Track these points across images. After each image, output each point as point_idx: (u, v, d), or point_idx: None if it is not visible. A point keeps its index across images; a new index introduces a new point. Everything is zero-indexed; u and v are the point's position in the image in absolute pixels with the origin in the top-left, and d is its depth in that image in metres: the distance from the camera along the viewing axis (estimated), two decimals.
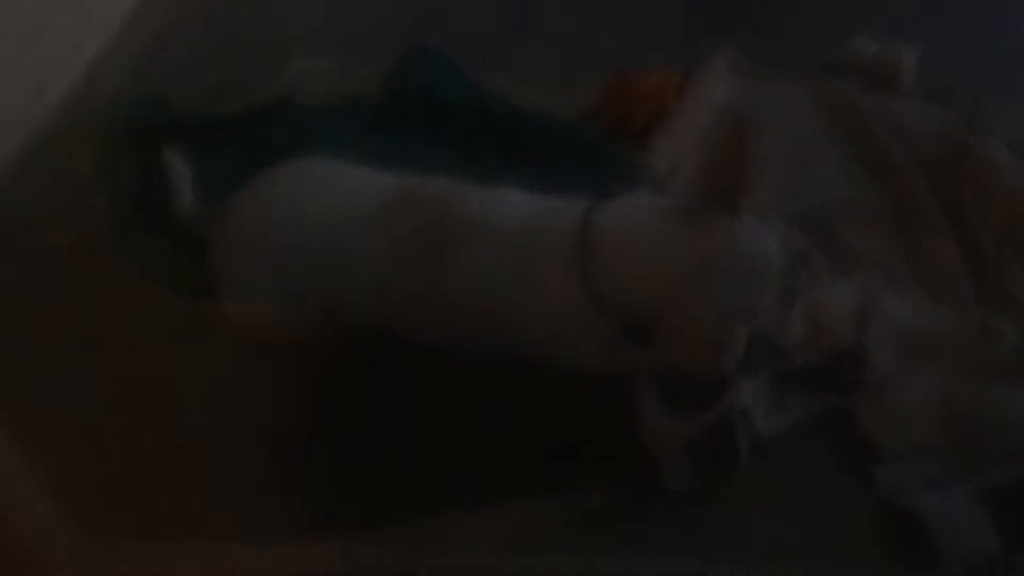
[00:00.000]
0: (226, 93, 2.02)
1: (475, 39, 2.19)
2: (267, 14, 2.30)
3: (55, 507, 1.22)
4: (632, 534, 1.32)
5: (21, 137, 1.86)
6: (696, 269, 1.22)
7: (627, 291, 1.25)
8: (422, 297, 1.34)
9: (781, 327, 1.50)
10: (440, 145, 1.89)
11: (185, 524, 1.29)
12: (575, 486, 1.35)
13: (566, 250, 1.27)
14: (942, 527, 1.30)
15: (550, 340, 1.33)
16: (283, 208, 1.42)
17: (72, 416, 1.40)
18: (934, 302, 1.60)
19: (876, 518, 1.34)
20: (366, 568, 1.26)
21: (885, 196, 1.79)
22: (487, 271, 1.30)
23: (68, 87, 2.00)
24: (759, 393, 1.45)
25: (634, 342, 1.30)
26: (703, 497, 1.36)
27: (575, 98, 2.01)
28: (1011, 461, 1.36)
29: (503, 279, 1.30)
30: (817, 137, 1.94)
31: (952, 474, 1.36)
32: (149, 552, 1.27)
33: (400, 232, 1.34)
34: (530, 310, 1.30)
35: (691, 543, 1.31)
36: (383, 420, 1.42)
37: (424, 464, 1.37)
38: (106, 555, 1.26)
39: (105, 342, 1.49)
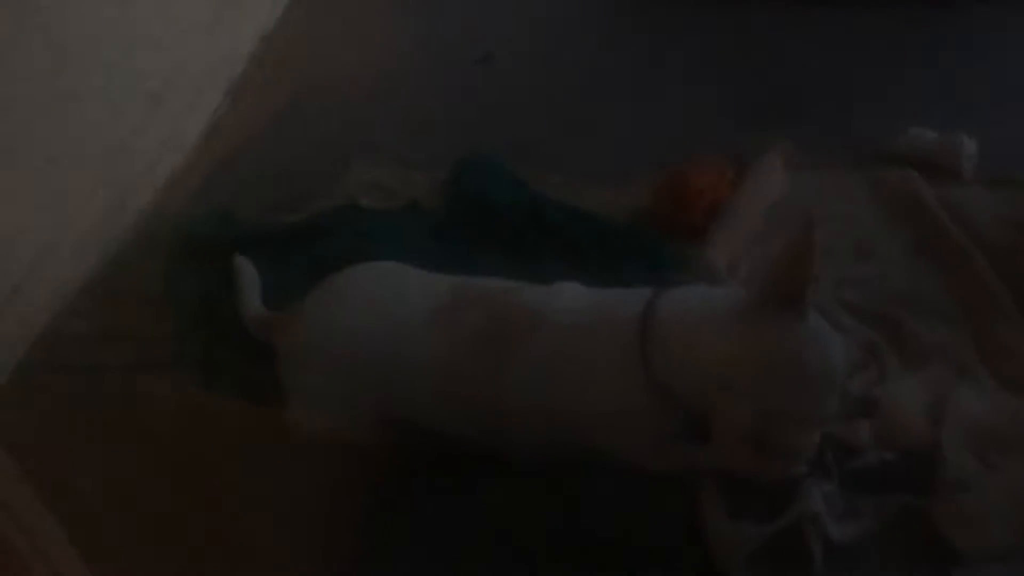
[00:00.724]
0: (291, 204, 2.11)
1: (528, 141, 2.25)
2: (328, 124, 2.40)
3: None
4: None
5: (99, 252, 1.96)
6: (757, 369, 1.20)
7: (689, 382, 1.23)
8: (482, 396, 1.34)
9: (852, 428, 1.47)
10: (498, 248, 1.93)
11: None
12: None
13: (628, 337, 1.25)
14: None
15: (612, 434, 1.31)
16: (344, 312, 1.45)
17: (137, 525, 1.42)
18: (1011, 395, 1.54)
19: None
20: None
21: (952, 286, 1.75)
22: (547, 364, 1.30)
23: (145, 204, 2.10)
24: (831, 496, 1.40)
25: (695, 436, 1.28)
26: None
27: (630, 196, 2.04)
28: None
29: (563, 370, 1.30)
30: (879, 227, 1.92)
31: None
32: None
33: (459, 332, 1.35)
34: (591, 401, 1.29)
35: None
36: (443, 526, 1.40)
37: (485, 570, 1.35)
38: None
39: (170, 454, 1.52)
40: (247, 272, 1.69)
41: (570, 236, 1.92)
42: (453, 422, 1.41)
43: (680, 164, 2.00)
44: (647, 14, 2.78)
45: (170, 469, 1.48)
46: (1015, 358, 1.59)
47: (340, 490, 1.39)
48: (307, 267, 1.73)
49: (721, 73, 2.46)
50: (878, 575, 1.34)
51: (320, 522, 1.38)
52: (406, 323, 1.40)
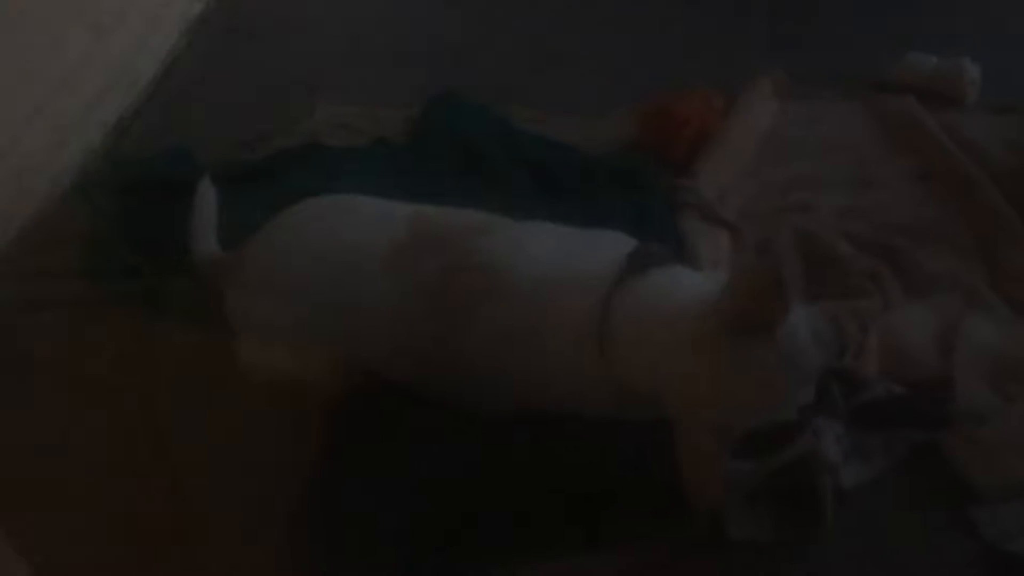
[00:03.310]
0: (251, 144, 1.97)
1: (503, 76, 2.12)
2: (292, 64, 2.26)
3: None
4: None
5: (43, 189, 1.83)
6: (722, 400, 1.10)
7: (645, 384, 1.14)
8: (436, 355, 1.23)
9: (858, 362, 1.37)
10: (471, 181, 1.80)
11: None
12: (624, 538, 1.21)
13: (585, 329, 1.15)
14: None
15: (576, 406, 1.22)
16: (295, 246, 1.34)
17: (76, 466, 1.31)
18: None
19: (980, 568, 1.18)
20: None
21: (958, 213, 1.66)
22: (503, 335, 1.19)
23: (91, 142, 1.97)
24: (840, 438, 1.28)
25: None
26: (777, 551, 1.20)
27: (612, 129, 1.93)
28: None
29: (521, 343, 1.19)
30: (878, 156, 1.83)
31: None
32: None
33: (412, 281, 1.23)
34: (549, 382, 1.20)
35: None
36: (399, 474, 1.29)
37: (447, 522, 1.24)
38: None
39: (116, 391, 1.40)
40: (207, 204, 1.55)
41: (549, 166, 1.80)
42: (406, 373, 1.30)
43: (666, 94, 1.89)
44: None
45: (114, 409, 1.37)
46: None
47: (292, 432, 1.28)
48: (265, 207, 1.58)
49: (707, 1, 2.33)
50: (889, 518, 1.24)
51: (272, 465, 1.26)
52: (358, 262, 1.27)
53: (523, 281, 1.19)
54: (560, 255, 1.22)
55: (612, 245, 1.22)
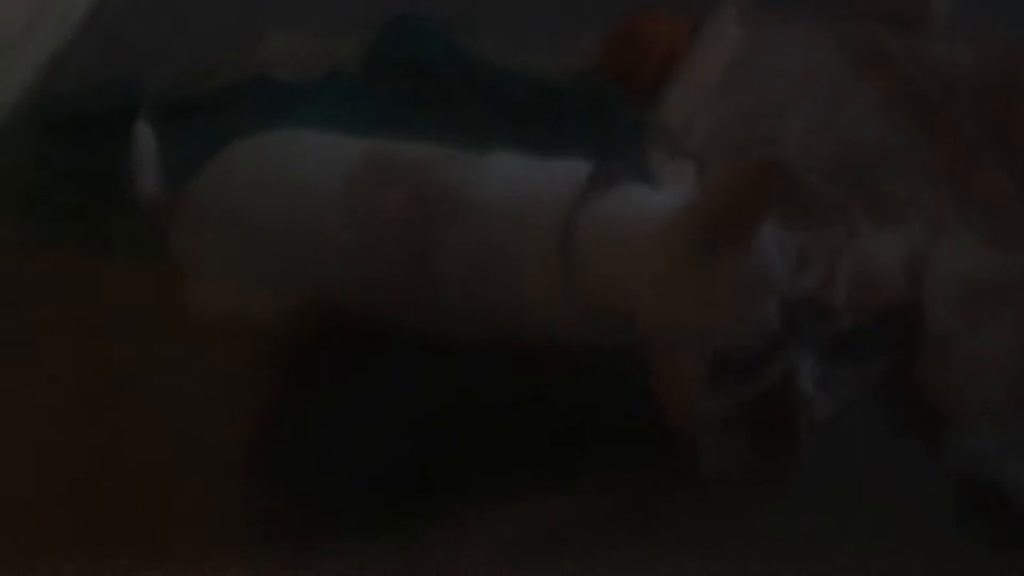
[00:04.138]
0: (198, 77, 1.88)
1: (464, 7, 2.02)
2: None
3: None
4: (658, 531, 1.16)
5: None
6: (692, 317, 1.09)
7: (614, 301, 1.13)
8: (406, 285, 1.21)
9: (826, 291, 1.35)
10: (430, 114, 1.74)
11: (140, 545, 1.14)
12: (590, 478, 1.20)
13: (550, 253, 1.14)
14: None
15: (546, 331, 1.19)
16: (244, 180, 1.29)
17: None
18: (996, 247, 1.43)
19: (950, 494, 1.18)
20: None
21: (928, 139, 1.63)
22: (474, 255, 1.17)
23: (22, 81, 1.87)
24: (810, 368, 1.27)
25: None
26: (743, 485, 1.20)
27: (576, 59, 1.86)
28: None
29: (490, 265, 1.17)
30: (845, 83, 1.78)
31: None
32: None
33: (379, 212, 1.20)
34: (518, 307, 1.17)
35: (731, 539, 1.15)
36: (363, 416, 1.26)
37: (412, 464, 1.22)
38: None
39: (56, 335, 1.36)
40: (146, 142, 1.48)
41: (511, 96, 1.75)
42: (372, 307, 1.26)
43: (630, 19, 1.84)
44: None
45: (55, 355, 1.35)
46: (1000, 211, 1.48)
47: (249, 377, 1.25)
48: (210, 144, 1.50)
49: None
50: (862, 448, 1.24)
51: (227, 412, 1.24)
52: (312, 195, 1.24)
53: (489, 202, 1.17)
54: (525, 177, 1.21)
55: (577, 167, 1.20)
